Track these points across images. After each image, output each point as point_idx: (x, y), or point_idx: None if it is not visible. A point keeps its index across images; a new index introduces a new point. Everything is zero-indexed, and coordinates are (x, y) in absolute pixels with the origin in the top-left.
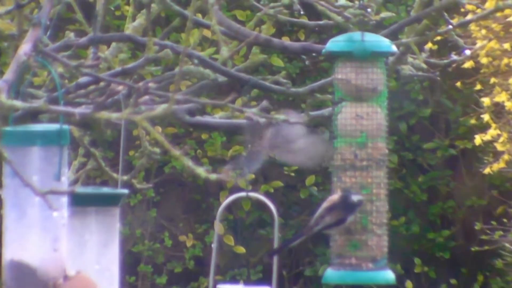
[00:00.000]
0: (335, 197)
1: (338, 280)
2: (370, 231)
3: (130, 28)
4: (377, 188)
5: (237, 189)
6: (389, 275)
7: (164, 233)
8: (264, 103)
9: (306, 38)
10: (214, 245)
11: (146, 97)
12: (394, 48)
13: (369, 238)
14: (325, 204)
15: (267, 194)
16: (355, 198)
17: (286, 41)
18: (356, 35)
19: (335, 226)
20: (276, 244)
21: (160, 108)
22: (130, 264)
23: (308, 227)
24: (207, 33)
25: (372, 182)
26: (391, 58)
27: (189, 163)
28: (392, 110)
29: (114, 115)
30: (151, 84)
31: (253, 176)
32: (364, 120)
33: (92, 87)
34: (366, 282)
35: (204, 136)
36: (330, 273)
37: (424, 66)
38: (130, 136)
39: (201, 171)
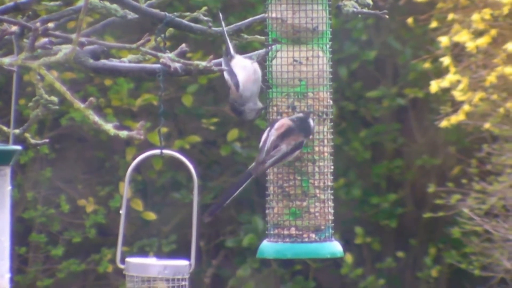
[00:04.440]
0: (286, 121)
1: (276, 254)
2: (312, 196)
3: None
4: (320, 146)
5: (146, 145)
6: (335, 247)
7: (60, 196)
8: (184, 46)
9: None
10: (122, 212)
11: (45, 40)
12: None
13: (311, 205)
14: (275, 132)
15: (182, 150)
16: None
17: None
18: None
19: (291, 154)
20: (195, 211)
21: (61, 53)
22: (20, 232)
23: (258, 163)
24: None
25: (313, 138)
26: None
27: (95, 118)
28: (331, 52)
29: (6, 60)
30: (50, 25)
31: (165, 129)
32: (303, 66)
33: None
34: (309, 256)
35: (107, 83)
36: (266, 246)
37: (370, 1)
38: (20, 81)
39: (109, 127)
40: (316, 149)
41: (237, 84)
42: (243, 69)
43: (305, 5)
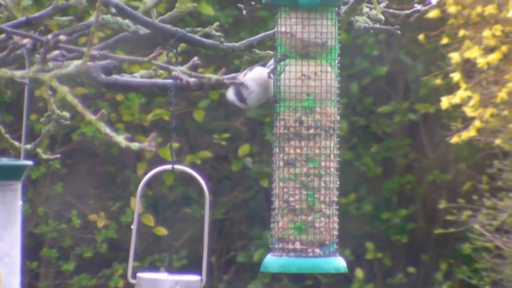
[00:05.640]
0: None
1: (280, 268)
2: (317, 211)
3: None
4: (326, 161)
5: (158, 160)
6: (339, 263)
7: (72, 211)
8: (195, 60)
9: None
10: (133, 227)
11: (57, 52)
12: None
13: (317, 219)
14: None
15: (193, 166)
16: None
17: None
18: None
19: None
20: (206, 226)
21: (73, 66)
22: (31, 247)
23: None
24: None
25: (320, 153)
26: (343, 8)
27: (106, 130)
28: (342, 68)
29: (18, 73)
30: (62, 37)
31: (176, 144)
32: (311, 80)
33: None
34: (313, 271)
35: (119, 98)
36: (271, 260)
37: (382, 17)
38: (31, 96)
39: (121, 139)
40: (323, 164)
41: (245, 74)
42: (257, 71)
43: (315, 20)
